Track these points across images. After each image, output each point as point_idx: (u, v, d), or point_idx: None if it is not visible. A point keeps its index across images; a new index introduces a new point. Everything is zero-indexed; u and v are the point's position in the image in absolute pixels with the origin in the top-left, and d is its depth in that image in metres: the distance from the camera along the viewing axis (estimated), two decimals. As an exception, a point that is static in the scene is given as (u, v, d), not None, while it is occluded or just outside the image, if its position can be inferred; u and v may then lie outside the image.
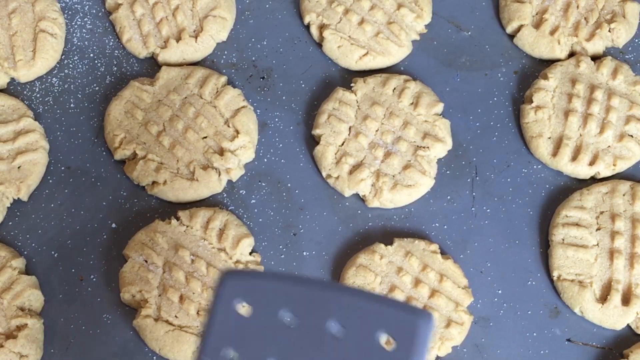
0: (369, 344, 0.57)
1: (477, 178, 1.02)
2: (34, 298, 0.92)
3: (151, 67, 1.08)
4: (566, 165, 1.00)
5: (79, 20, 1.10)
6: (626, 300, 0.92)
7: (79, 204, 0.99)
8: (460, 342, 0.91)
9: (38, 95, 1.05)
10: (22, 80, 1.05)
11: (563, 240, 0.96)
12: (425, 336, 0.57)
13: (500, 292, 0.95)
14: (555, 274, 0.95)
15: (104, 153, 1.02)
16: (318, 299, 0.59)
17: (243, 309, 0.60)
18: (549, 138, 1.01)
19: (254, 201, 1.00)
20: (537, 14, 1.09)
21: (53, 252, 0.96)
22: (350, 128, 1.01)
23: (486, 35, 1.10)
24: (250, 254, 0.95)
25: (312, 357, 0.58)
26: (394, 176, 0.98)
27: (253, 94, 1.06)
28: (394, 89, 1.03)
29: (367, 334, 0.57)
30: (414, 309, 0.59)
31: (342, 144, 1.00)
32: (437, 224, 0.99)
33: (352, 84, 1.04)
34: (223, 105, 1.02)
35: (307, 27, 1.10)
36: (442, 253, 0.96)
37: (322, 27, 1.08)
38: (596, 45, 1.08)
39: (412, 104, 1.03)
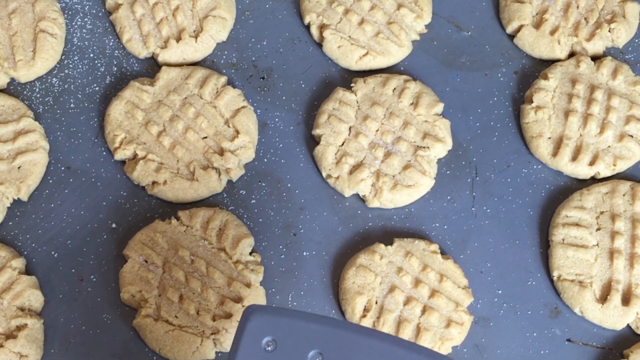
0: None
1: (477, 178, 1.02)
2: (34, 298, 0.92)
3: (151, 67, 1.08)
4: (566, 165, 1.00)
5: (79, 20, 1.10)
6: (626, 300, 0.92)
7: (79, 204, 0.99)
8: (460, 342, 0.91)
9: (38, 95, 1.05)
10: (22, 80, 1.05)
11: (563, 240, 0.96)
12: None
13: (500, 292, 0.95)
14: (555, 274, 0.95)
15: (104, 153, 1.02)
16: (347, 342, 0.61)
17: (268, 345, 0.61)
18: (549, 138, 1.01)
19: (254, 201, 1.00)
20: (537, 14, 1.09)
21: (53, 252, 0.96)
22: (350, 128, 1.01)
23: (486, 35, 1.10)
24: (250, 254, 0.95)
25: None
26: (394, 176, 0.98)
27: (253, 94, 1.06)
28: (394, 89, 1.03)
29: None
30: (442, 357, 0.60)
31: (342, 144, 1.00)
32: (437, 224, 0.99)
33: (352, 84, 1.04)
34: (223, 105, 1.02)
35: (307, 27, 1.10)
36: (442, 253, 0.96)
37: (322, 27, 1.08)
38: (596, 45, 1.08)
39: (412, 104, 1.03)
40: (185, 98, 1.02)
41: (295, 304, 0.94)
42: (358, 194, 0.99)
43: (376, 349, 0.60)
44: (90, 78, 1.07)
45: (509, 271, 0.97)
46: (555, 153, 1.01)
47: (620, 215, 0.97)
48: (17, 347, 0.88)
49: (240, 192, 1.00)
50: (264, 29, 1.10)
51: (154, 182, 0.98)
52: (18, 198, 0.98)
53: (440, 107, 1.03)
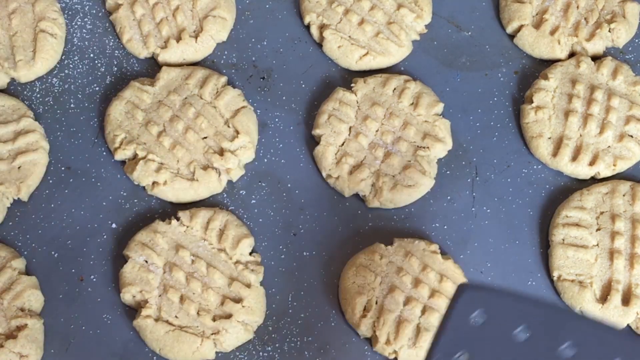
0: None
1: (477, 178, 1.02)
2: (34, 298, 0.92)
3: (151, 67, 1.08)
4: (566, 166, 1.00)
5: (79, 20, 1.10)
6: (626, 300, 0.92)
7: (79, 204, 0.99)
8: (461, 342, 0.91)
9: (38, 95, 1.05)
10: (22, 80, 1.05)
11: (563, 240, 0.96)
12: None
13: (500, 292, 0.95)
14: (555, 274, 0.95)
15: (104, 153, 1.02)
16: (554, 322, 0.63)
17: (478, 319, 0.65)
18: (549, 138, 1.02)
19: (254, 201, 1.00)
20: (537, 14, 1.09)
21: (53, 252, 0.96)
22: (350, 128, 1.01)
23: (486, 35, 1.11)
24: (250, 254, 0.95)
25: None
26: (394, 176, 0.98)
27: (253, 94, 1.06)
28: (394, 89, 1.03)
29: None
30: None
31: (343, 144, 1.00)
32: (437, 224, 0.99)
33: (352, 84, 1.04)
34: (223, 105, 1.02)
35: (307, 27, 1.10)
36: (442, 253, 0.96)
37: (322, 27, 1.08)
38: (596, 46, 1.08)
39: (412, 104, 1.03)
40: (186, 98, 1.02)
41: (295, 304, 0.94)
42: (358, 194, 0.99)
43: (584, 332, 0.63)
44: (90, 78, 1.07)
45: (509, 271, 0.97)
46: (555, 153, 1.01)
47: (620, 216, 0.97)
48: (17, 347, 0.88)
49: (240, 192, 1.00)
50: (264, 29, 1.10)
51: (154, 182, 0.98)
52: (18, 198, 0.98)
53: (440, 107, 1.03)
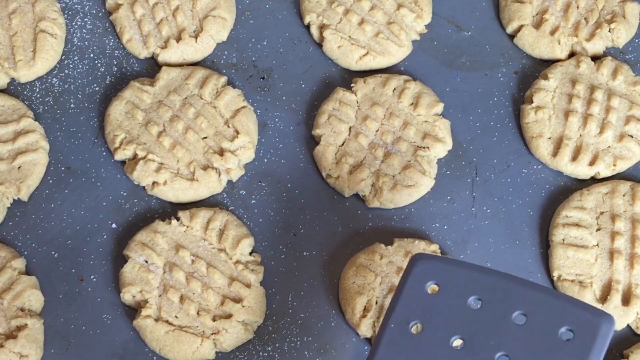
0: (550, 337, 0.62)
1: (477, 178, 1.02)
2: (34, 298, 0.92)
3: (151, 67, 1.08)
4: (566, 166, 1.00)
5: (79, 20, 1.10)
6: (626, 300, 0.92)
7: (79, 204, 0.99)
8: (461, 342, 0.91)
9: (38, 95, 1.05)
10: (22, 80, 1.06)
11: (563, 240, 0.96)
12: (606, 337, 0.62)
13: (500, 292, 0.95)
14: (555, 274, 0.95)
15: (104, 153, 1.02)
16: (506, 290, 0.65)
17: (431, 288, 0.66)
18: (549, 138, 1.01)
19: (254, 201, 1.00)
20: (537, 14, 1.09)
21: (53, 252, 0.96)
22: (350, 128, 1.01)
23: (486, 35, 1.10)
24: (250, 254, 0.95)
25: (493, 340, 0.63)
26: (394, 176, 0.98)
27: (253, 94, 1.06)
28: (394, 89, 1.03)
29: (549, 328, 0.62)
30: (598, 310, 0.63)
31: (342, 144, 1.00)
32: (437, 224, 0.99)
33: (352, 84, 1.04)
34: (223, 105, 1.02)
35: (307, 27, 1.10)
36: (442, 253, 0.96)
37: (322, 27, 1.08)
38: (596, 46, 1.08)
39: (412, 104, 1.03)
40: (186, 98, 1.02)
41: (295, 304, 0.94)
42: (358, 194, 0.99)
43: (535, 299, 0.64)
44: (90, 78, 1.07)
45: (509, 271, 0.95)
46: (555, 153, 1.01)
47: (620, 216, 0.97)
48: (17, 347, 0.88)
49: (240, 192, 1.00)
50: (264, 29, 1.10)
51: (154, 182, 0.98)
52: (18, 198, 0.98)
53: (440, 107, 1.03)
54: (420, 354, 0.64)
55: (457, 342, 0.64)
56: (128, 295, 0.92)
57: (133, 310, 0.93)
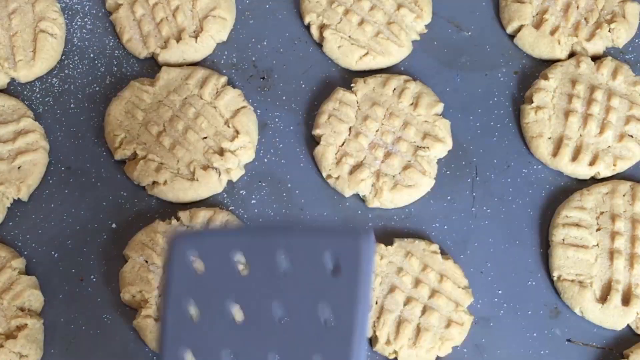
0: (319, 276, 0.61)
1: (477, 178, 1.02)
2: (34, 298, 0.92)
3: (151, 67, 1.08)
4: (566, 166, 1.00)
5: (79, 20, 1.10)
6: (626, 300, 0.92)
7: (79, 204, 0.99)
8: (461, 342, 0.91)
9: (38, 95, 1.05)
10: (22, 80, 1.06)
11: (563, 240, 0.96)
12: (368, 254, 0.60)
13: (500, 292, 0.95)
14: (555, 274, 0.95)
15: (104, 153, 1.02)
16: (263, 241, 0.63)
17: (198, 265, 0.63)
18: (549, 138, 1.02)
19: (254, 201, 1.00)
20: (537, 14, 1.09)
21: (53, 252, 0.96)
22: (350, 128, 1.01)
23: (486, 36, 1.10)
24: (251, 254, 0.95)
25: (268, 298, 0.61)
26: (394, 176, 0.98)
27: (253, 94, 1.06)
28: (394, 89, 1.03)
29: (315, 266, 0.61)
30: (353, 230, 0.62)
31: (343, 144, 1.00)
32: (437, 224, 0.99)
33: (352, 84, 1.04)
34: (223, 105, 1.02)
35: (308, 27, 1.10)
36: (443, 253, 0.96)
37: (322, 27, 1.08)
38: (596, 46, 1.08)
39: (412, 104, 1.03)
40: (186, 98, 1.02)
41: (295, 304, 0.94)
42: (358, 194, 0.99)
43: (295, 245, 0.62)
44: (90, 78, 1.07)
45: (509, 271, 0.97)
46: (555, 153, 1.01)
47: (620, 216, 0.97)
48: (17, 347, 0.88)
49: (240, 192, 1.00)
50: (264, 29, 1.10)
51: (154, 182, 0.98)
52: (18, 198, 0.98)
53: (440, 107, 1.03)
54: (206, 337, 0.62)
55: (238, 315, 0.62)
56: (128, 295, 0.92)
57: (133, 310, 0.93)
